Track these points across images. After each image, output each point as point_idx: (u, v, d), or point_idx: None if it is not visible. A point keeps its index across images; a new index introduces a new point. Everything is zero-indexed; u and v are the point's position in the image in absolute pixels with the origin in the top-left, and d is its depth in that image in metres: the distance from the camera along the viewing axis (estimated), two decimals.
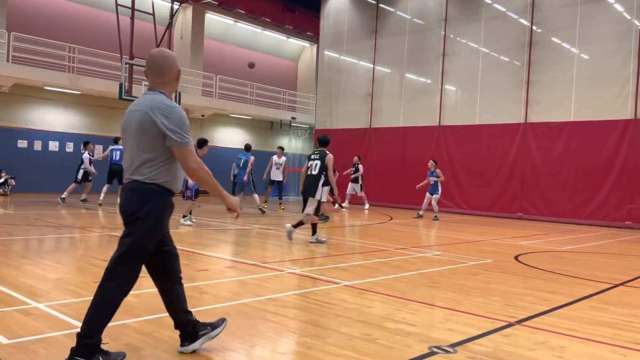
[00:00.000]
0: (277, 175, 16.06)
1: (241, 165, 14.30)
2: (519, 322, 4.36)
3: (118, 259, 3.07)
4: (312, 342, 3.61)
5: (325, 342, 3.60)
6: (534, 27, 17.82)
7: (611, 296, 5.67)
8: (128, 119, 3.14)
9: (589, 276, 6.83)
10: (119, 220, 12.04)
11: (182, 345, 3.30)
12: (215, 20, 25.47)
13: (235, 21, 25.89)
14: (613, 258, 9.05)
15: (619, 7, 16.32)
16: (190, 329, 3.31)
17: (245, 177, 14.20)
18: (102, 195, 15.17)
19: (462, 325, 4.20)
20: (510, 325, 4.25)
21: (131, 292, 4.78)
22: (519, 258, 8.26)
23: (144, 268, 3.22)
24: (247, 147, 14.79)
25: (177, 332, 3.65)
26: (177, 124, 3.00)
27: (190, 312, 3.36)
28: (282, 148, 16.57)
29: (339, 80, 23.58)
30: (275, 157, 16.08)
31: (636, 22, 15.81)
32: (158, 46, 17.86)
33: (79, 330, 2.91)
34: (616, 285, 6.27)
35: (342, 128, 23.13)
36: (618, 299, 5.51)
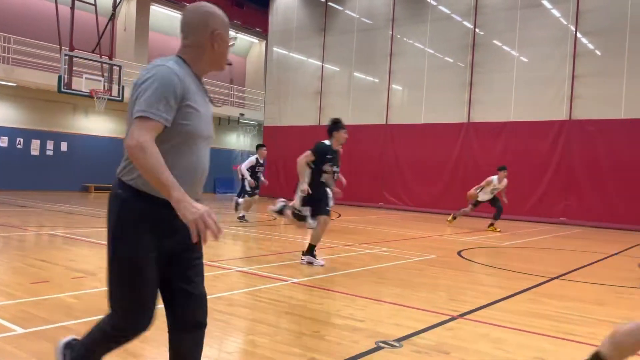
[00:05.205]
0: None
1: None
2: (462, 315, 4.49)
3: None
4: (260, 340, 3.59)
5: (273, 340, 3.59)
6: (476, 30, 18.38)
7: (548, 289, 5.94)
8: None
9: (527, 270, 7.12)
10: (59, 218, 11.59)
11: None
12: (160, 13, 24.83)
13: (182, 14, 25.34)
14: (549, 253, 9.47)
15: (556, 13, 17.07)
16: None
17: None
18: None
19: (408, 319, 4.29)
20: (453, 318, 4.38)
21: (70, 293, 4.63)
22: (462, 253, 8.52)
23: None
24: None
25: None
26: (147, 86, 2.05)
27: None
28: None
29: (288, 77, 23.53)
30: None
31: (572, 27, 16.60)
32: (100, 39, 17.23)
33: (17, 333, 2.75)
34: (552, 279, 6.57)
35: (291, 125, 23.11)
36: (554, 292, 5.78)
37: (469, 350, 3.57)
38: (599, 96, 16.09)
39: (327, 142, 6.89)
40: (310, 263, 6.67)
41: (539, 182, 16.79)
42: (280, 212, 7.08)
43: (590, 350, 2.62)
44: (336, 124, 6.93)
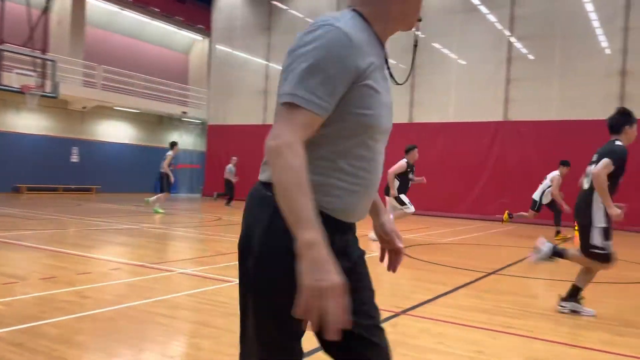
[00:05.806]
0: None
1: None
2: (404, 311, 4.60)
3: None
4: (204, 343, 3.53)
5: (217, 342, 3.54)
6: (418, 32, 18.81)
7: (485, 284, 6.17)
8: None
9: (466, 266, 7.36)
10: (9, 220, 10.94)
11: None
12: (97, 7, 23.94)
13: (121, 9, 24.53)
14: (486, 249, 9.84)
15: (492, 18, 17.75)
16: None
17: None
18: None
19: None
20: (396, 315, 4.47)
21: (0, 300, 4.39)
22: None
23: None
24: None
25: (54, 340, 3.41)
26: (305, 56, 1.38)
27: None
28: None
29: (233, 76, 23.27)
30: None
31: (507, 32, 17.30)
32: (32, 32, 16.42)
33: None
34: (489, 274, 6.83)
35: (236, 124, 22.88)
36: (491, 286, 6.01)
37: (412, 345, 3.66)
38: (531, 98, 16.86)
39: (619, 142, 4.62)
40: (575, 312, 4.73)
41: (476, 180, 17.41)
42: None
43: (526, 342, 2.74)
44: (632, 117, 4.71)
